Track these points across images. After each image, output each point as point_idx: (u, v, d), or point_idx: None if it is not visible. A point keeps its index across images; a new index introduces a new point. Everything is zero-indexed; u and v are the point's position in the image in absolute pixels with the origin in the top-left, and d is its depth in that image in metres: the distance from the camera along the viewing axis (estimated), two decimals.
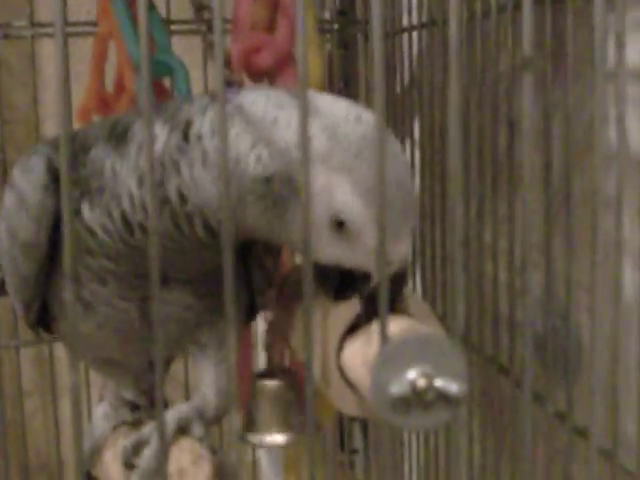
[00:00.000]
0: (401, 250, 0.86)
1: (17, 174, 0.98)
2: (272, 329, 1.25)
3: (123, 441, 1.05)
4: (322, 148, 0.83)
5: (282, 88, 0.93)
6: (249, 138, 0.86)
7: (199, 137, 0.88)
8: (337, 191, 0.83)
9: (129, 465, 1.02)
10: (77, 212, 0.94)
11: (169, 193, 0.89)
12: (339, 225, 0.84)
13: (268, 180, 0.85)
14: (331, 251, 0.87)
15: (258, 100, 0.88)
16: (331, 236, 0.85)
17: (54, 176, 0.95)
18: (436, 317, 0.96)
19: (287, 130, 0.85)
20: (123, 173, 0.92)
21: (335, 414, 1.78)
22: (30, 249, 0.97)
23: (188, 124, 0.89)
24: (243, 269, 1.08)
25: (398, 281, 0.89)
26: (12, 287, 1.03)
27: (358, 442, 1.89)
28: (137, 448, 1.02)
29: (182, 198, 0.89)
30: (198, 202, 0.89)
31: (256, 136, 0.86)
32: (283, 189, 0.85)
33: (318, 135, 0.83)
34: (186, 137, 0.89)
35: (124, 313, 1.01)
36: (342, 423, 1.88)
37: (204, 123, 0.89)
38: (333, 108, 0.86)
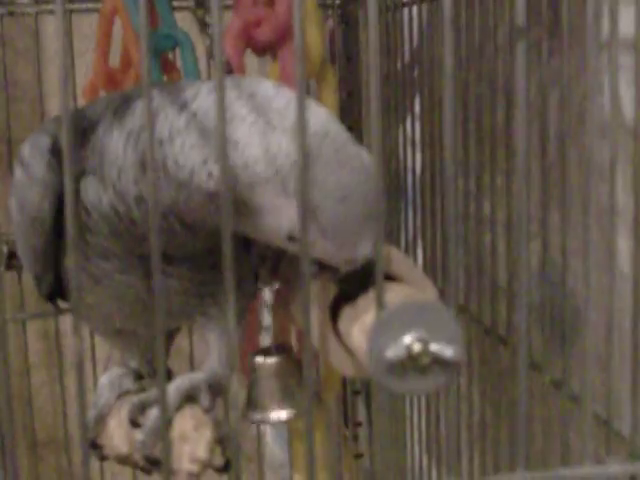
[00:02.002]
0: (363, 250, 0.88)
1: (24, 151, 1.01)
2: (274, 302, 1.27)
3: (127, 410, 1.07)
4: (270, 170, 0.86)
5: (242, 87, 0.94)
6: (201, 152, 0.88)
7: (160, 142, 0.90)
8: (286, 213, 0.86)
9: (135, 423, 1.04)
10: (76, 191, 0.97)
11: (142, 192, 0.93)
12: (291, 238, 0.89)
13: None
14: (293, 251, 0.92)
15: (210, 109, 0.89)
16: (289, 244, 0.90)
17: (59, 154, 0.97)
18: (434, 287, 0.98)
19: (235, 149, 0.86)
20: (108, 163, 0.95)
21: (339, 388, 1.79)
22: (36, 223, 1.00)
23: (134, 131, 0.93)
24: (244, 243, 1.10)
25: (360, 277, 0.91)
26: (23, 259, 1.06)
27: (361, 415, 1.91)
28: (144, 407, 1.04)
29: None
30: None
31: (207, 151, 0.88)
32: (235, 204, 0.87)
33: (262, 156, 0.86)
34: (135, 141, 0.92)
35: (128, 286, 1.03)
36: (345, 397, 1.90)
37: (164, 127, 0.90)
38: (277, 108, 0.88)
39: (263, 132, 0.86)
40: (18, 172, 1.00)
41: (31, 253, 1.03)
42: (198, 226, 0.94)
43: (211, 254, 1.00)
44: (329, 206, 0.85)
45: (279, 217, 0.87)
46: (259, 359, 1.22)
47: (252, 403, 1.22)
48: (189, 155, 0.88)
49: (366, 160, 0.88)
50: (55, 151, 0.98)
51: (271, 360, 1.21)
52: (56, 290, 1.09)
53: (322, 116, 0.88)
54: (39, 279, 1.07)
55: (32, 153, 0.99)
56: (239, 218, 0.89)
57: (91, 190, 0.96)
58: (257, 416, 1.20)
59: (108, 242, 0.99)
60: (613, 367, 0.93)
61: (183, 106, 0.90)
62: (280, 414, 1.20)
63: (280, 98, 0.89)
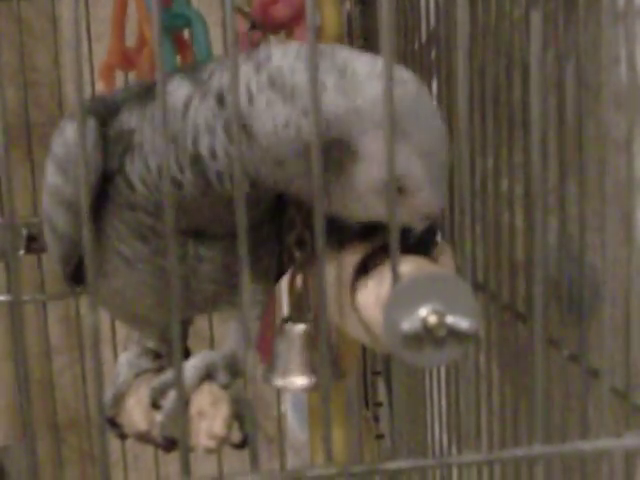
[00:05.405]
0: (441, 201, 0.92)
1: (64, 131, 0.99)
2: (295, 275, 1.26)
3: (145, 389, 1.07)
4: (382, 114, 0.84)
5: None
6: (291, 109, 0.87)
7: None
8: (398, 157, 0.83)
9: (156, 405, 1.04)
10: (120, 167, 0.97)
11: (201, 151, 0.92)
12: (398, 189, 0.87)
13: (325, 147, 0.85)
14: (382, 212, 0.89)
15: (295, 66, 0.88)
16: (378, 201, 0.89)
17: (102, 134, 0.97)
18: (453, 259, 0.98)
19: (337, 95, 0.86)
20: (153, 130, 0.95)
21: (359, 367, 1.80)
22: (74, 207, 0.99)
23: (220, 93, 0.91)
24: (275, 227, 1.09)
25: (433, 230, 0.95)
26: (51, 243, 1.06)
27: (382, 395, 1.91)
28: (164, 389, 1.04)
29: (214, 155, 0.91)
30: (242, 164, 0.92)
31: (292, 108, 0.87)
32: (339, 154, 0.87)
33: (378, 100, 0.85)
34: (221, 102, 0.90)
35: (163, 271, 1.03)
36: (366, 377, 1.90)
37: (241, 91, 0.89)
38: (373, 68, 0.88)
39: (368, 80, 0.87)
40: (57, 154, 0.99)
41: (62, 237, 1.03)
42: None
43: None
44: (437, 150, 0.89)
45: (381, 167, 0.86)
46: (285, 325, 1.20)
47: (275, 368, 1.20)
48: (274, 113, 0.88)
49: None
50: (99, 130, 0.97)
51: (299, 327, 1.20)
52: (79, 275, 1.08)
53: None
54: (65, 263, 1.07)
55: (73, 134, 0.98)
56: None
57: (138, 162, 0.96)
58: (279, 381, 1.19)
59: (150, 217, 0.98)
60: (631, 340, 0.92)
61: (258, 67, 0.90)
62: (302, 381, 1.19)
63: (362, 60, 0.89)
